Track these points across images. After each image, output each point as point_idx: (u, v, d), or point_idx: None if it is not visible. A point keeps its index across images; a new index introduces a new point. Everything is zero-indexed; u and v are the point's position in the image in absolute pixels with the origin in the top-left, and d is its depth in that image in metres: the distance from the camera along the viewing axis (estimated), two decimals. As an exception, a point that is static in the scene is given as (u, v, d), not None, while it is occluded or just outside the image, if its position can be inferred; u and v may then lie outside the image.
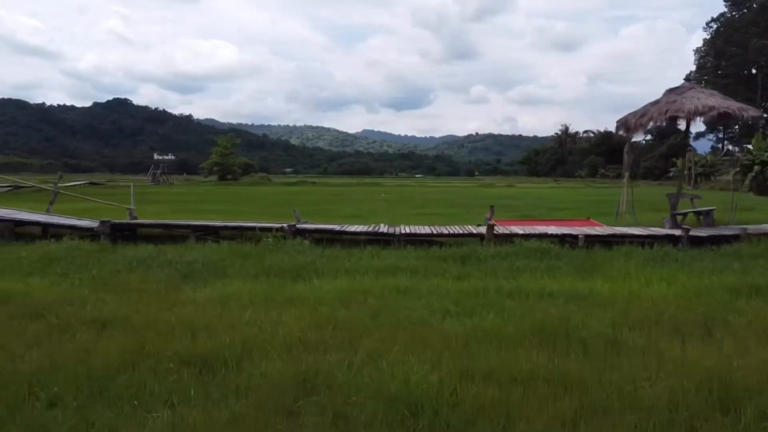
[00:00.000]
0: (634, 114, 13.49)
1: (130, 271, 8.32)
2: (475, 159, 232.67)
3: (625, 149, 17.50)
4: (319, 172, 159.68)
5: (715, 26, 75.84)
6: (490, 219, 11.56)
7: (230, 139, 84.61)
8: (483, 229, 11.00)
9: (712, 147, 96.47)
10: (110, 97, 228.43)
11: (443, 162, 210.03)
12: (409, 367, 4.19)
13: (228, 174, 77.71)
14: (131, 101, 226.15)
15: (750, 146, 37.60)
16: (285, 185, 51.01)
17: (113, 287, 7.39)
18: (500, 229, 10.96)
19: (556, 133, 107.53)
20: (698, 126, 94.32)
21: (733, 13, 72.36)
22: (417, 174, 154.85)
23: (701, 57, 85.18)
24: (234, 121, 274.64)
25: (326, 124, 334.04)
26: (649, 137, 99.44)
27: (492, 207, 11.88)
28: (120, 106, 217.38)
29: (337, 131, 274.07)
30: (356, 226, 11.41)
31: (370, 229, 11.18)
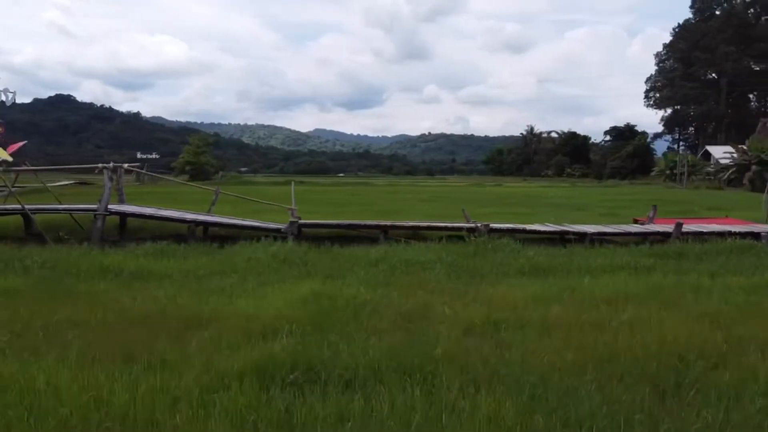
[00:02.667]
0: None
1: (405, 272, 8.25)
2: (429, 158, 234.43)
3: None
4: (276, 171, 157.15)
5: (679, 32, 79.52)
6: (652, 217, 11.93)
7: (202, 138, 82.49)
8: (658, 228, 11.34)
9: (669, 148, 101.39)
10: (51, 93, 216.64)
11: (399, 161, 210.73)
12: None
13: (200, 174, 75.77)
14: (75, 98, 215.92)
15: (745, 146, 39.88)
16: (277, 185, 50.00)
17: (403, 286, 7.32)
18: (691, 227, 11.32)
19: (522, 134, 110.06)
20: (656, 128, 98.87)
21: (697, 20, 76.16)
22: (375, 174, 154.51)
23: (661, 61, 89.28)
24: (183, 119, 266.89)
25: (278, 123, 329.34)
26: (608, 138, 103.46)
27: (655, 206, 12.25)
28: (63, 103, 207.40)
29: (290, 130, 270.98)
30: (540, 225, 11.56)
31: (558, 228, 11.35)
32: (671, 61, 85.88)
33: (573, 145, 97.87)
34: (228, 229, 11.75)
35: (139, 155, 58.71)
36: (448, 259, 9.05)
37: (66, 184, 43.98)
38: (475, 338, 5.15)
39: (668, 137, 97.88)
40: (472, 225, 10.95)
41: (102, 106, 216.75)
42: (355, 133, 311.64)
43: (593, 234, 10.89)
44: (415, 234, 11.53)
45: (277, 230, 10.71)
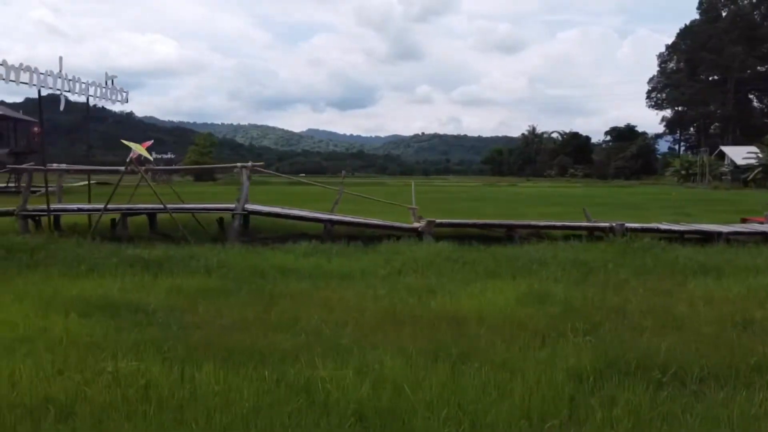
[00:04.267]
0: None
1: (586, 271, 8.31)
2: (423, 159, 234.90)
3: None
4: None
5: (683, 33, 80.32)
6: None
7: (207, 137, 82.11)
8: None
9: (669, 148, 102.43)
10: (42, 93, 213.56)
11: (393, 162, 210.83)
12: None
13: (206, 173, 75.19)
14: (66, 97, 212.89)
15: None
16: (295, 184, 49.58)
17: (604, 285, 7.40)
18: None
19: (523, 134, 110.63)
20: (652, 128, 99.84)
21: (703, 21, 76.99)
22: (371, 174, 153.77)
23: (663, 62, 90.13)
24: (176, 119, 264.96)
25: (271, 123, 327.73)
26: (608, 138, 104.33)
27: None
28: (55, 102, 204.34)
29: (283, 130, 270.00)
30: (670, 225, 11.71)
31: (690, 228, 11.49)
32: (674, 62, 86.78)
33: (575, 146, 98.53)
34: (352, 228, 11.70)
35: (154, 155, 58.16)
36: (609, 257, 9.11)
37: (86, 183, 43.73)
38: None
39: (669, 137, 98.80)
40: (607, 225, 11.03)
41: (94, 106, 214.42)
42: (347, 133, 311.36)
43: (728, 233, 11.02)
44: (538, 233, 11.59)
45: (413, 230, 10.70)
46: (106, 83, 12.74)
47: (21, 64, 10.66)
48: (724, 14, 74.69)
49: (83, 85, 11.85)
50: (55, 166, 13.14)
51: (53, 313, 5.82)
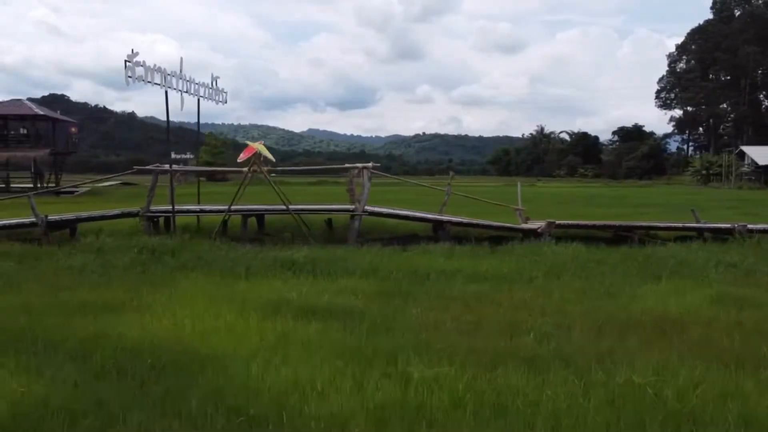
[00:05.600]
0: None
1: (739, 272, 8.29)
2: (424, 159, 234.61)
3: None
4: (278, 172, 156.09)
5: (694, 33, 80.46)
6: None
7: (219, 138, 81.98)
8: None
9: (678, 148, 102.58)
10: (44, 93, 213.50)
11: (395, 162, 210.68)
12: None
13: (217, 174, 75.04)
14: (69, 97, 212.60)
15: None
16: (312, 185, 49.39)
17: None
18: None
19: (531, 134, 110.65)
20: (666, 128, 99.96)
21: (716, 20, 77.13)
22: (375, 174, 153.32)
23: (672, 62, 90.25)
24: (176, 119, 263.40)
25: (271, 123, 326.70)
26: (615, 138, 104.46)
27: None
28: (57, 103, 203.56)
29: (283, 130, 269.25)
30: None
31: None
32: (683, 62, 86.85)
33: (584, 146, 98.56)
34: (459, 229, 11.64)
35: (173, 155, 58.02)
36: (751, 258, 9.09)
37: (112, 185, 43.59)
38: None
39: (677, 137, 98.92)
40: (729, 226, 11.01)
41: (96, 106, 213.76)
42: (348, 133, 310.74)
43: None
44: (648, 234, 11.54)
45: (532, 231, 10.65)
46: (212, 84, 12.65)
47: (155, 65, 10.58)
48: (736, 14, 74.89)
49: (195, 86, 11.74)
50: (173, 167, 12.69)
51: (264, 317, 5.71)
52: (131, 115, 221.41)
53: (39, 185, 30.96)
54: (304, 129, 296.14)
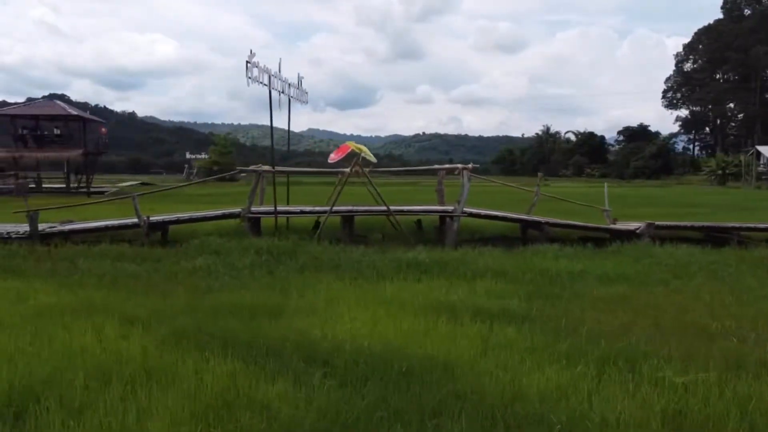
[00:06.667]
0: None
1: None
2: (425, 158, 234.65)
3: None
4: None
5: (702, 33, 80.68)
6: None
7: (227, 138, 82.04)
8: None
9: (683, 148, 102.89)
10: (44, 93, 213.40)
11: (397, 161, 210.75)
12: None
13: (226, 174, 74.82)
14: (69, 97, 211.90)
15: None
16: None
17: None
18: None
19: (537, 134, 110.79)
20: (668, 128, 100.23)
21: (726, 20, 77.34)
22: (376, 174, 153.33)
23: (680, 61, 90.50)
24: (176, 119, 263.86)
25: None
26: (620, 138, 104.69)
27: None
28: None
29: (283, 130, 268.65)
30: None
31: None
32: (690, 61, 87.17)
33: (590, 146, 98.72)
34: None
35: (188, 155, 57.89)
36: None
37: (132, 184, 43.51)
38: None
39: (683, 137, 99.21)
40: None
41: (96, 106, 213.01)
42: (348, 133, 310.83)
43: None
44: (741, 235, 11.45)
45: (631, 232, 10.59)
46: (299, 84, 12.54)
47: (264, 66, 10.47)
48: (746, 14, 75.18)
49: (284, 85, 11.62)
50: (266, 168, 12.38)
51: (451, 319, 5.62)
52: (131, 115, 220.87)
53: (72, 185, 30.76)
54: (304, 129, 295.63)
